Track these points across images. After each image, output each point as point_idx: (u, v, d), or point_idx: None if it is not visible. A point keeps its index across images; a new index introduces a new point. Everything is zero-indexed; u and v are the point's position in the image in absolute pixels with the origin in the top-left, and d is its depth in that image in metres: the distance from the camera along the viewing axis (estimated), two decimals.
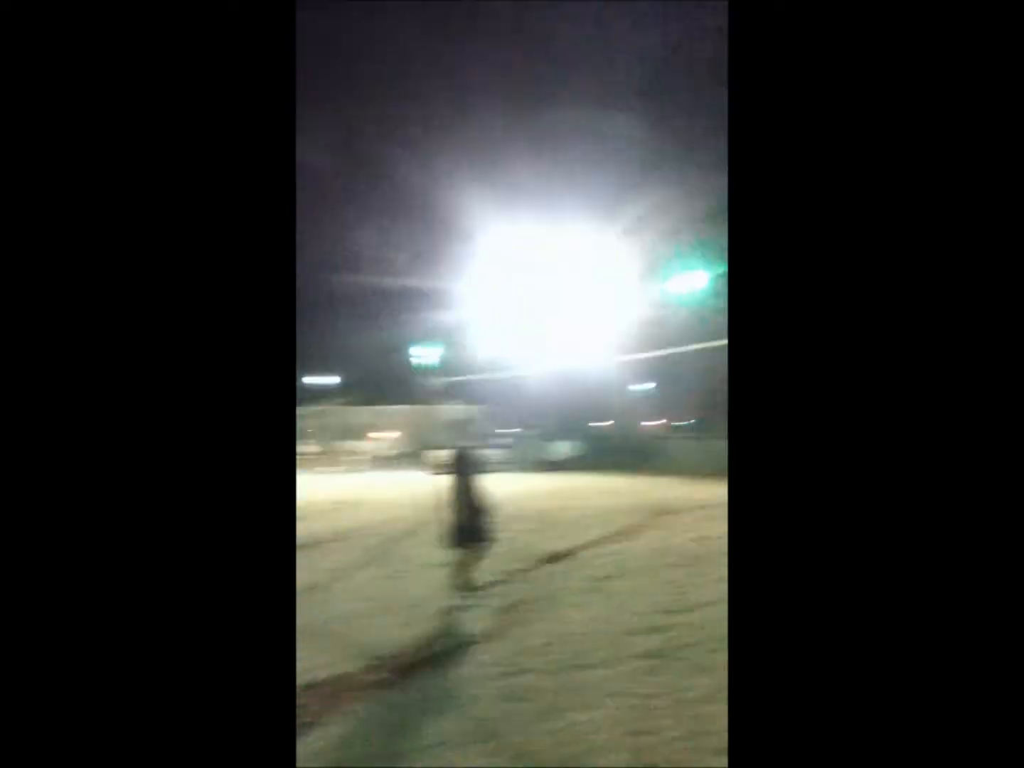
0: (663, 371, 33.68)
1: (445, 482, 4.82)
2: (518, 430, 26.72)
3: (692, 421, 35.46)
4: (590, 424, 32.23)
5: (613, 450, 24.44)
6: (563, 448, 23.89)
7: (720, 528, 7.85)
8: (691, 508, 10.00)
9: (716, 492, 11.65)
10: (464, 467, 4.88)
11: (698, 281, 24.23)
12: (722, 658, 3.22)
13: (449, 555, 4.81)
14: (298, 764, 1.80)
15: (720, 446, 17.84)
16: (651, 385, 37.93)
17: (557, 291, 23.11)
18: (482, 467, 4.97)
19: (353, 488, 15.34)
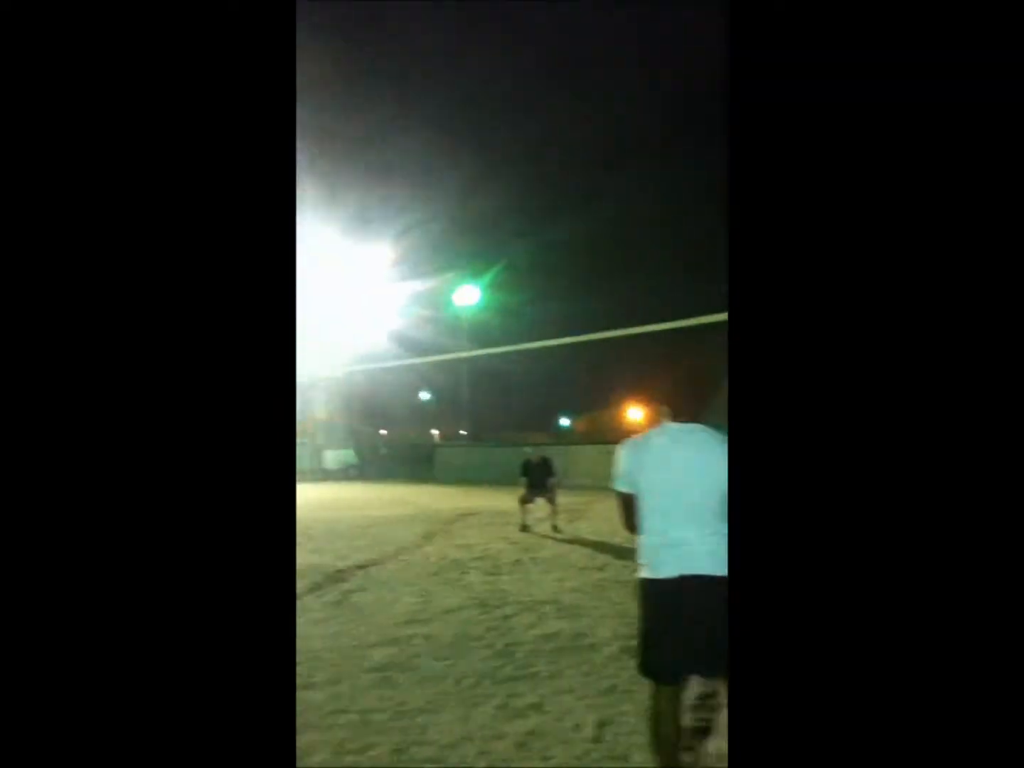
0: (441, 380, 34.06)
1: None
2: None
3: (465, 432, 36.15)
4: (373, 432, 31.51)
5: (391, 459, 24.26)
6: (338, 457, 23.17)
7: (482, 535, 8.16)
8: (457, 517, 10.20)
9: (485, 501, 12.02)
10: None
11: (473, 295, 25.06)
12: (447, 665, 3.44)
13: None
14: None
15: (495, 454, 18.59)
16: (428, 395, 38.23)
17: (334, 299, 22.52)
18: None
19: None
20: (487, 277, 25.66)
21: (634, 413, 46.08)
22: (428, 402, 40.64)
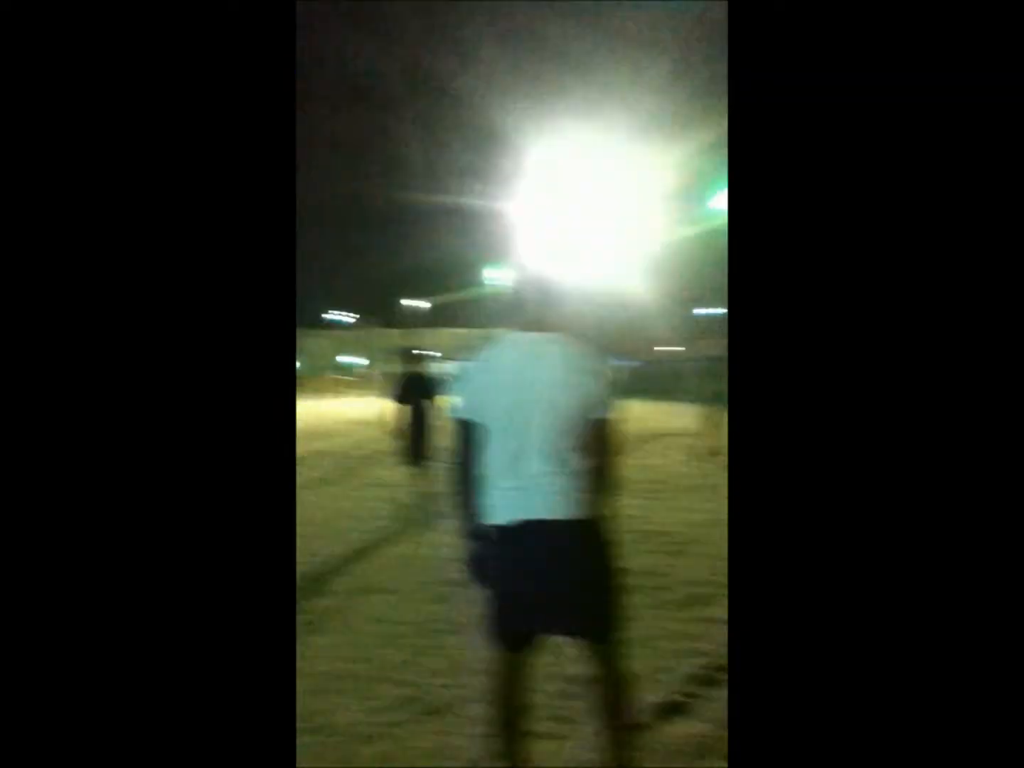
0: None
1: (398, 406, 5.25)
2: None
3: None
4: (655, 348, 31.63)
5: (660, 376, 23.95)
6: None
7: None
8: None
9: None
10: (416, 391, 5.33)
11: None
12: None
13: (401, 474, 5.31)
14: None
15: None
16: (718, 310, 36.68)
17: (605, 207, 22.43)
18: (434, 390, 5.38)
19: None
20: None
21: None
22: (715, 316, 39.15)
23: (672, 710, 2.26)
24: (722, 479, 6.26)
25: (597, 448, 1.64)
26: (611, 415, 1.65)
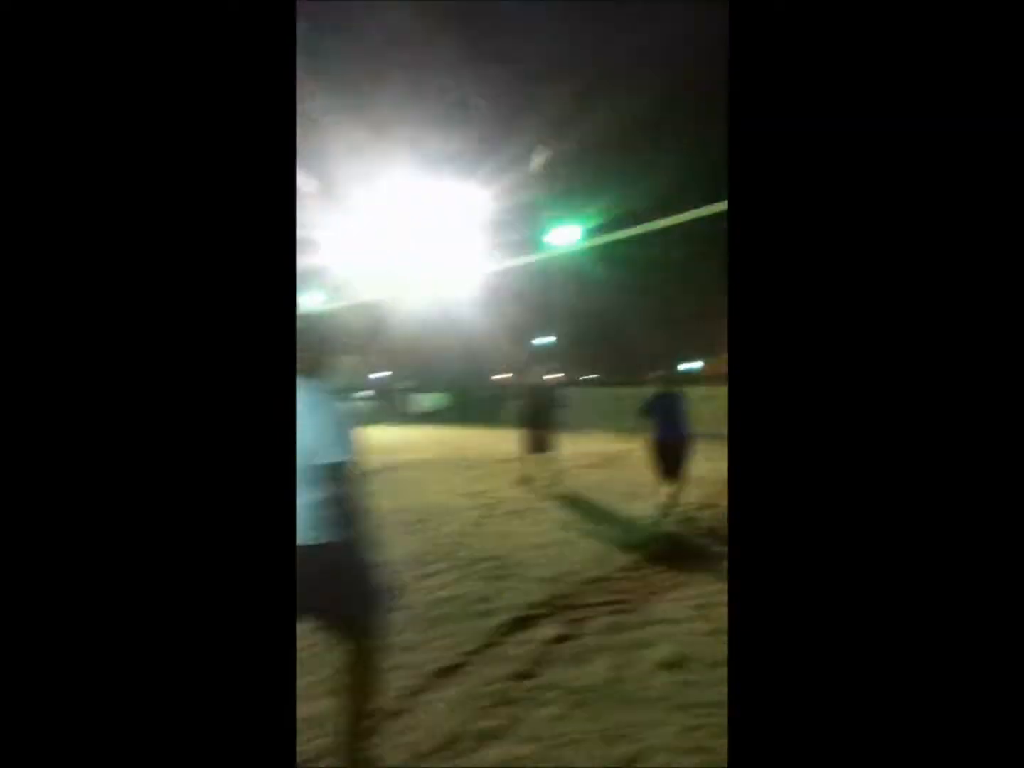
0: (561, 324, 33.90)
1: None
2: (387, 375, 26.50)
3: (594, 375, 35.95)
4: (475, 375, 32.11)
5: (485, 402, 24.46)
6: (428, 400, 23.71)
7: (489, 483, 7.94)
8: (486, 462, 9.98)
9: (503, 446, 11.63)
10: None
11: (573, 235, 24.20)
12: None
13: None
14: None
15: (605, 394, 18.26)
16: (550, 339, 38.18)
17: (432, 240, 22.68)
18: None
19: None
20: (585, 217, 24.61)
21: None
22: (548, 346, 40.53)
23: (489, 734, 2.27)
24: (544, 503, 6.47)
25: (338, 483, 1.87)
26: (349, 455, 1.89)
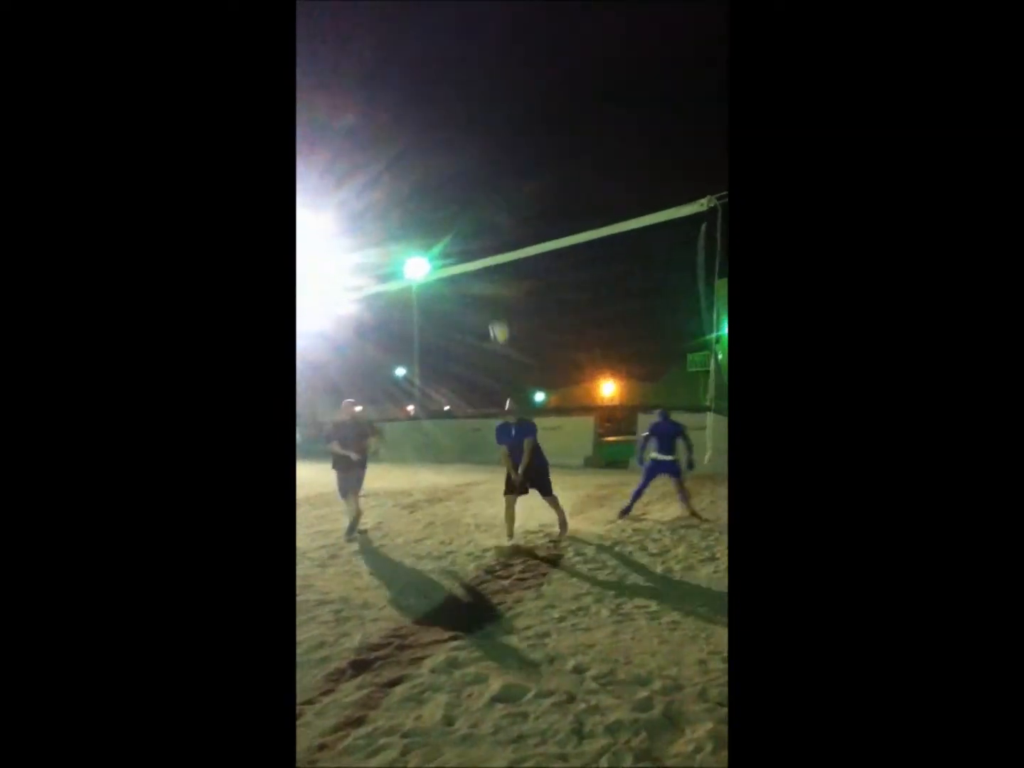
0: (404, 357, 33.58)
1: None
2: None
3: (446, 408, 35.89)
4: (356, 408, 31.18)
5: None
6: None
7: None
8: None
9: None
10: None
11: (423, 267, 24.42)
12: None
13: None
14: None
15: (452, 428, 18.42)
16: (404, 371, 37.67)
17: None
18: None
19: None
20: (436, 248, 24.92)
21: (607, 388, 46.11)
22: (403, 379, 40.08)
23: None
24: (385, 542, 6.40)
25: None
26: None
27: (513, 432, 6.29)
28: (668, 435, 7.11)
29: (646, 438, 7.29)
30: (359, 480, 7.05)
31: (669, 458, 7.11)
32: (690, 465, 7.27)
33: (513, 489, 6.23)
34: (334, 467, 7.02)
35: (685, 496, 7.19)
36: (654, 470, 7.23)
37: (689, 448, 7.13)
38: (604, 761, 2.34)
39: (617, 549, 5.95)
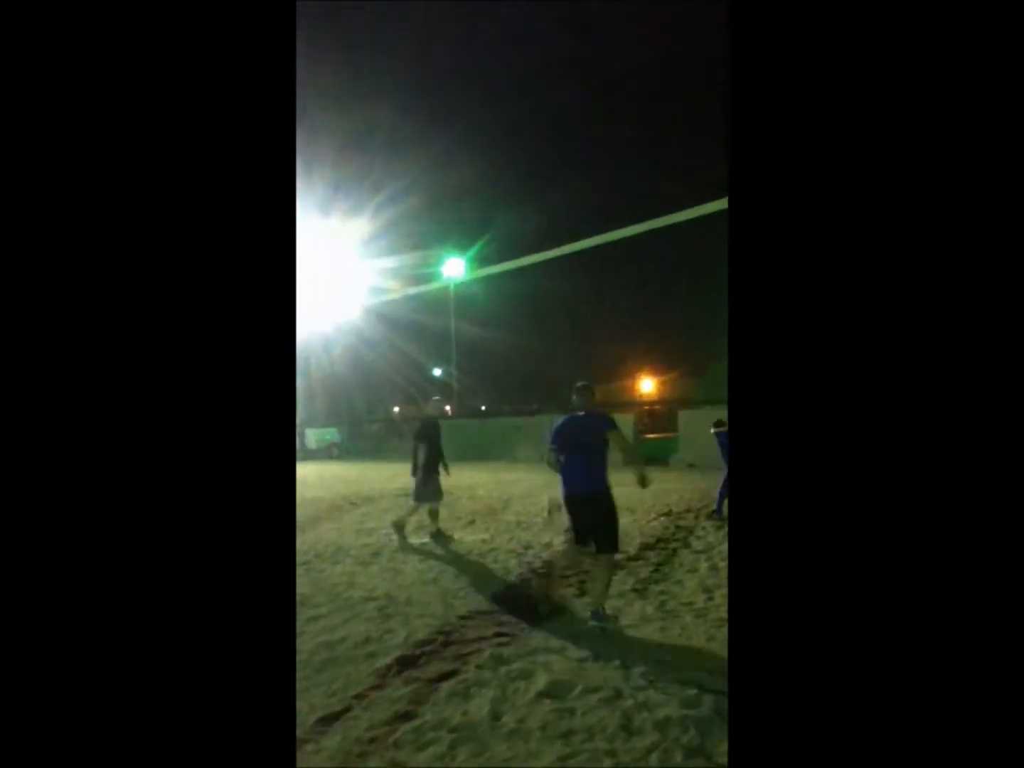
0: (442, 357, 33.88)
1: None
2: None
3: (484, 407, 36.06)
4: (363, 408, 31.41)
5: (378, 436, 24.03)
6: (320, 435, 22.95)
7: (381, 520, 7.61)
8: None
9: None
10: None
11: (459, 268, 24.63)
12: None
13: None
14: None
15: (492, 426, 18.47)
16: (439, 371, 37.97)
17: (322, 274, 22.30)
18: None
19: None
20: (472, 250, 25.08)
21: (646, 384, 45.79)
22: (438, 378, 40.41)
23: None
24: (429, 538, 6.41)
25: None
26: None
27: (576, 430, 3.91)
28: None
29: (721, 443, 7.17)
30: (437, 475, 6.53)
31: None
32: None
33: (578, 539, 3.94)
34: (420, 469, 6.45)
35: (724, 494, 7.08)
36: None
37: None
38: (654, 758, 2.31)
39: (660, 545, 5.89)
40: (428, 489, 6.45)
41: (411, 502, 6.66)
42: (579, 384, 4.00)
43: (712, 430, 7.35)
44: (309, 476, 14.28)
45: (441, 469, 6.54)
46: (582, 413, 3.96)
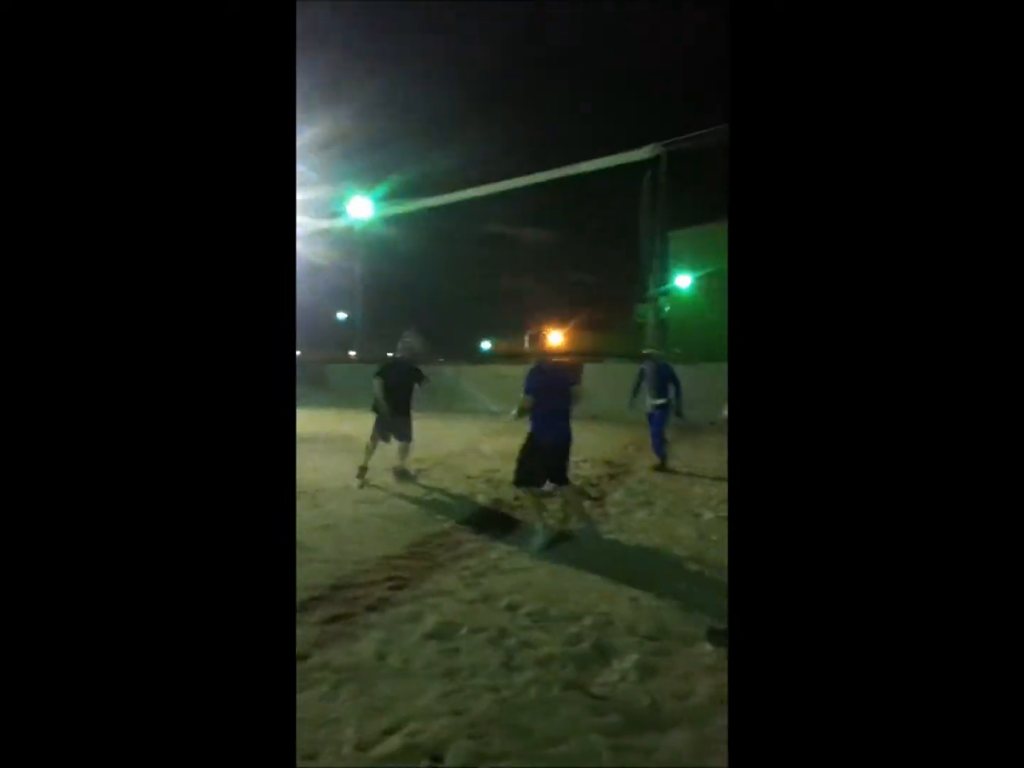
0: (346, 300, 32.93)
1: None
2: None
3: (389, 354, 35.46)
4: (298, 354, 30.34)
5: (310, 385, 23.17)
6: None
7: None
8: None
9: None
10: None
11: (366, 208, 23.76)
12: None
13: None
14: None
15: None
16: (344, 316, 36.76)
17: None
18: None
19: None
20: (380, 190, 24.21)
21: (554, 337, 46.24)
22: (343, 323, 39.23)
23: None
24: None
25: None
26: None
27: (545, 379, 4.39)
28: (661, 379, 7.08)
29: (638, 384, 7.21)
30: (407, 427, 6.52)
31: (661, 401, 7.08)
32: (679, 414, 7.22)
33: (531, 479, 4.43)
34: (385, 412, 6.39)
35: (660, 442, 7.23)
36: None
37: (678, 395, 7.13)
38: (533, 691, 2.42)
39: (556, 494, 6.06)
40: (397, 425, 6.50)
41: (373, 441, 6.56)
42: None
43: (640, 365, 7.25)
44: None
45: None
46: (550, 364, 4.56)
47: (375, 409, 6.56)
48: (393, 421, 6.50)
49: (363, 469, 6.42)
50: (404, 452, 6.65)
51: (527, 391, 4.32)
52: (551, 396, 4.34)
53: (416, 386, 6.71)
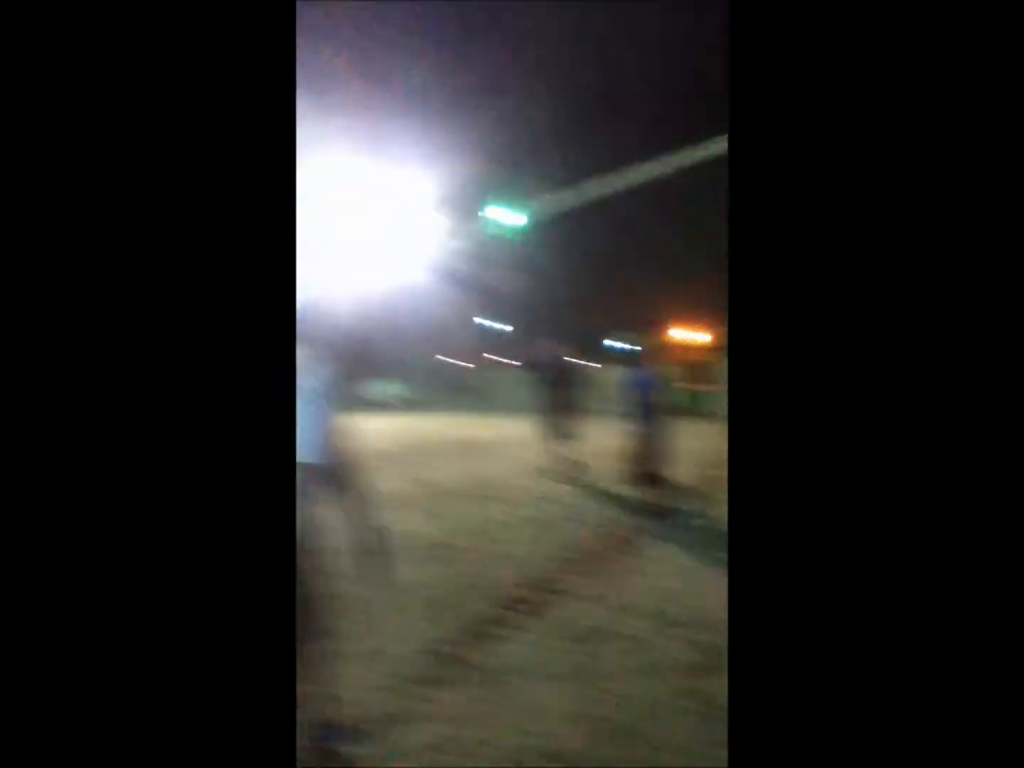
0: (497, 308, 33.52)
1: None
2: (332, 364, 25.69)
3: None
4: (438, 359, 31.23)
5: (449, 389, 23.46)
6: (384, 389, 22.70)
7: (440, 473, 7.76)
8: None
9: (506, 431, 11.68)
10: None
11: (518, 219, 23.99)
12: None
13: None
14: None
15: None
16: (507, 327, 37.38)
17: (373, 220, 22.14)
18: None
19: None
20: (532, 203, 24.33)
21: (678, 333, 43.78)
22: (499, 330, 39.61)
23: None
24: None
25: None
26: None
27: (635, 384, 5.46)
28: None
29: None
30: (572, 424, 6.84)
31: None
32: None
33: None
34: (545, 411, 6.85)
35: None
36: None
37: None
38: None
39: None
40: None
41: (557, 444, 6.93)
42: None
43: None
44: (396, 430, 14.04)
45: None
46: (640, 371, 5.48)
47: (540, 411, 6.89)
48: (557, 420, 6.78)
49: (568, 464, 6.73)
50: (568, 450, 6.87)
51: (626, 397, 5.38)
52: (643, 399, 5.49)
53: (576, 389, 6.96)
